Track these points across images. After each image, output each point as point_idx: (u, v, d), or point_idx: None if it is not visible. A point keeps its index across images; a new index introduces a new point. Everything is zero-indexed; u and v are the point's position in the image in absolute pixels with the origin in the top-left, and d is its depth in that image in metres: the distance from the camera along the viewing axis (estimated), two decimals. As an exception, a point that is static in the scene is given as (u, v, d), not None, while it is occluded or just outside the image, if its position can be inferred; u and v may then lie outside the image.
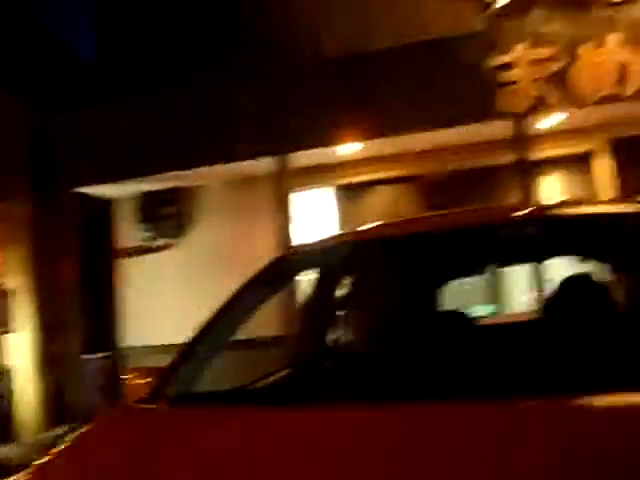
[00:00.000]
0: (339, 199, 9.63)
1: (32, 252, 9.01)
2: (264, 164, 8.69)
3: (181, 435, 2.03)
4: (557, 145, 8.45)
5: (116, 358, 9.48)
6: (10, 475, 7.61)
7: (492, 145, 8.41)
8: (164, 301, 9.51)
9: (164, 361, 9.42)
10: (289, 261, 3.10)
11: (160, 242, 9.54)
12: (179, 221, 9.50)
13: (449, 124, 7.93)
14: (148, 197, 9.47)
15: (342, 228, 9.76)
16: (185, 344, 2.69)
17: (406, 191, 9.26)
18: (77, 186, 9.13)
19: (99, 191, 9.42)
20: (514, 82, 7.60)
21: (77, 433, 2.36)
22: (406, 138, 8.23)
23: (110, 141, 8.86)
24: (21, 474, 2.19)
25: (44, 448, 8.36)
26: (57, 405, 8.89)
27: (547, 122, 8.06)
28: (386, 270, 2.85)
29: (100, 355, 9.16)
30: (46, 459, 2.22)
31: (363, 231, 3.17)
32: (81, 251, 9.31)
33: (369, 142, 8.37)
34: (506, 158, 8.45)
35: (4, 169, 8.91)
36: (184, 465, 1.83)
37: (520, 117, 7.69)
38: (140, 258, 9.61)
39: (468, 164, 8.77)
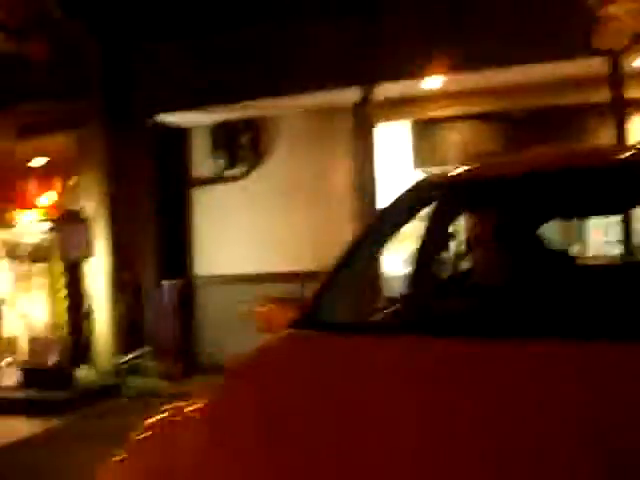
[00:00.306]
0: (416, 134, 9.46)
1: (108, 178, 9.03)
2: (346, 95, 8.51)
3: (357, 361, 2.04)
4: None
5: (190, 285, 9.60)
6: (92, 397, 7.78)
7: (582, 83, 8.07)
8: (236, 231, 9.53)
9: (239, 290, 9.53)
10: (427, 189, 2.99)
11: (235, 172, 9.49)
12: (255, 151, 9.41)
13: (541, 59, 7.62)
14: (224, 126, 9.38)
15: (416, 164, 9.61)
16: (329, 271, 2.63)
17: (488, 128, 9.03)
18: (153, 114, 9.10)
19: (175, 119, 9.37)
20: (613, 18, 7.23)
21: (255, 355, 2.29)
22: (494, 73, 7.95)
23: (188, 71, 8.77)
24: (202, 394, 2.15)
25: (120, 371, 8.59)
26: (132, 329, 9.07)
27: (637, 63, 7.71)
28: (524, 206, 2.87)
29: (175, 282, 9.24)
30: (229, 381, 2.17)
31: (501, 165, 3.08)
32: (156, 179, 9.30)
33: (454, 76, 8.11)
34: (596, 97, 8.14)
35: (81, 96, 8.88)
36: (365, 389, 1.84)
37: (617, 54, 7.34)
38: (214, 188, 9.59)
39: (556, 102, 8.46)
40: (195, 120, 9.40)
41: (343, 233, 9.25)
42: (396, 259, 7.83)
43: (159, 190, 9.41)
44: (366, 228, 2.86)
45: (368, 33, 8.06)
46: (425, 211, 3.11)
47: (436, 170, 9.43)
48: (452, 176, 3.09)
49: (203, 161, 9.58)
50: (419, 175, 9.71)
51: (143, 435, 2.01)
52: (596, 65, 7.45)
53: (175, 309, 9.13)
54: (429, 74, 8.06)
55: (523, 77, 8.09)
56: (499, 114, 8.82)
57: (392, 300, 2.77)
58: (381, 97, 8.24)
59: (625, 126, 7.44)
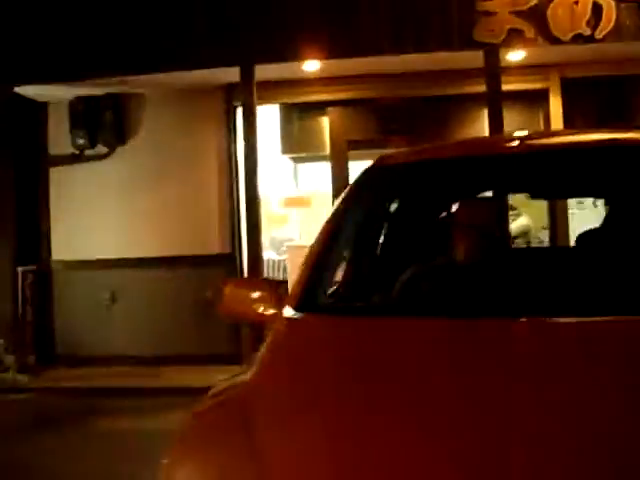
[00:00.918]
0: (285, 118, 9.33)
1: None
2: (220, 75, 8.25)
3: (401, 343, 1.97)
4: (517, 80, 8.41)
5: (47, 271, 8.96)
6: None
7: (459, 74, 8.31)
8: (97, 214, 8.99)
9: (100, 276, 9.05)
10: (387, 173, 2.91)
11: (96, 151, 8.93)
12: (119, 130, 8.90)
13: (419, 49, 7.74)
14: (86, 102, 8.78)
15: (284, 149, 9.50)
16: (314, 255, 2.47)
17: (360, 113, 9.05)
18: (9, 85, 8.37)
19: (33, 92, 8.67)
20: (492, 12, 7.48)
21: (273, 339, 2.13)
22: (372, 60, 7.97)
23: (47, 40, 8.12)
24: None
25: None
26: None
27: (512, 56, 8.02)
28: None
29: (30, 268, 8.58)
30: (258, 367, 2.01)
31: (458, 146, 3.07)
32: (11, 157, 8.57)
33: (332, 61, 8.05)
34: (473, 88, 8.41)
35: None
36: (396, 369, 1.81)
37: (495, 47, 7.60)
38: (74, 167, 8.99)
39: (432, 92, 8.63)
40: (54, 94, 8.74)
41: (211, 217, 9.03)
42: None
43: (14, 169, 8.68)
44: (341, 209, 2.69)
45: (247, 13, 7.84)
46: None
47: (302, 156, 9.56)
48: (414, 158, 3.04)
49: (62, 139, 8.93)
50: (286, 160, 9.64)
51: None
52: (473, 57, 7.68)
53: (30, 297, 8.48)
54: (307, 58, 7.96)
55: (400, 65, 8.18)
56: (372, 101, 8.86)
57: (385, 282, 2.63)
58: (258, 79, 8.02)
59: (500, 118, 7.72)
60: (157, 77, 8.31)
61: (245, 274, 9.01)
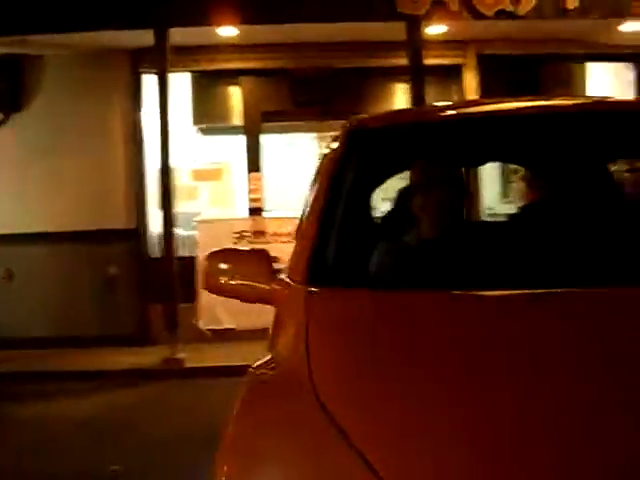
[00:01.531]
0: (196, 86, 8.88)
1: None
2: (123, 38, 7.73)
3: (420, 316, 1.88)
4: (435, 54, 8.31)
5: None
6: None
7: (376, 46, 8.13)
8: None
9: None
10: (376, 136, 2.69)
11: (-11, 116, 8.25)
12: (14, 95, 8.22)
13: (341, 18, 7.49)
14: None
15: (196, 119, 9.06)
16: (313, 226, 2.25)
17: (275, 84, 8.73)
18: None
19: None
20: (416, -17, 7.33)
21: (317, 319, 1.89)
22: (289, 28, 7.66)
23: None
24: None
25: None
26: None
27: (432, 30, 7.90)
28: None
29: None
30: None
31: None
32: None
33: (247, 27, 7.69)
34: (390, 61, 8.27)
35: None
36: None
37: (417, 20, 7.45)
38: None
39: (351, 63, 8.42)
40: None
41: (115, 190, 8.52)
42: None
43: None
44: (332, 175, 2.43)
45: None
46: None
47: (213, 127, 9.14)
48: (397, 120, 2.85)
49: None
50: (196, 130, 9.21)
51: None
52: (395, 30, 7.51)
53: None
54: (224, 22, 7.56)
55: (321, 35, 7.92)
56: (289, 71, 8.55)
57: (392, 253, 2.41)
58: (170, 43, 7.54)
59: (422, 91, 7.59)
60: (59, 38, 7.69)
61: (153, 250, 8.59)
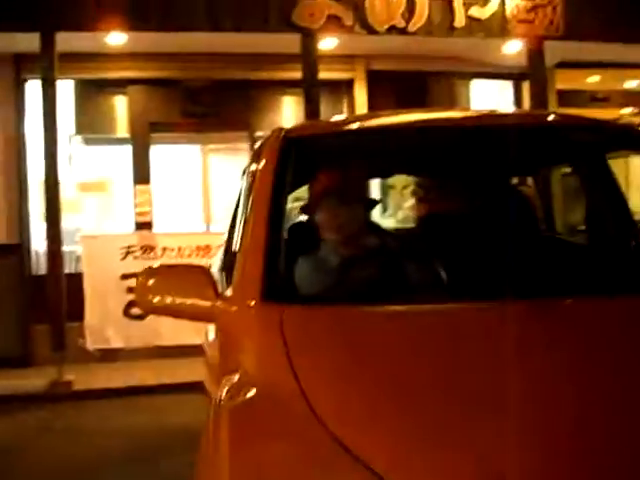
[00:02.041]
0: (80, 95, 8.50)
1: None
2: (3, 43, 7.30)
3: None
4: (326, 68, 8.33)
5: None
6: None
7: (269, 59, 8.06)
8: None
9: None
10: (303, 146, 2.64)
11: None
12: None
13: (235, 28, 7.38)
14: None
15: (78, 129, 8.68)
16: (260, 240, 2.15)
17: (165, 94, 8.48)
18: None
19: None
20: (312, -4, 7.33)
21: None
22: (181, 37, 7.48)
23: None
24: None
25: None
26: None
27: (324, 44, 7.91)
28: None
29: None
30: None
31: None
32: None
33: (137, 35, 7.44)
34: (283, 74, 8.23)
35: None
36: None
37: (312, 33, 7.44)
38: None
39: (239, 75, 8.31)
40: None
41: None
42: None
43: None
44: (270, 185, 2.34)
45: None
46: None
47: (99, 137, 8.79)
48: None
49: None
50: (81, 141, 8.83)
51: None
52: (291, 42, 7.47)
53: None
54: (113, 28, 7.27)
55: (213, 46, 7.75)
56: (179, 82, 8.33)
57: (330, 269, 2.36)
58: (59, 49, 7.17)
59: (317, 105, 7.58)
60: None
61: (37, 267, 8.14)
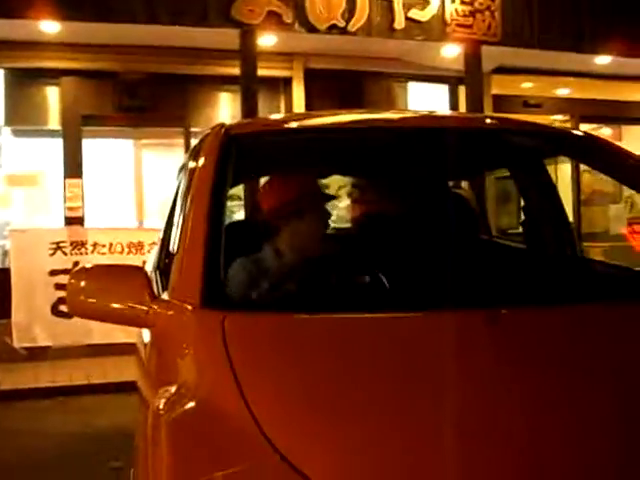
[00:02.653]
0: (10, 85, 8.22)
1: None
2: None
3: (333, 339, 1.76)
4: (264, 66, 8.25)
5: None
6: None
7: (208, 54, 7.96)
8: None
9: None
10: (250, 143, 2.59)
11: None
12: None
13: (173, 21, 7.26)
14: None
15: (7, 120, 8.39)
16: (199, 241, 2.06)
17: (99, 86, 8.27)
18: None
19: None
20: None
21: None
22: (119, 28, 7.31)
23: None
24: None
25: None
26: None
27: (263, 41, 7.84)
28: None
29: None
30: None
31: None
32: None
33: (73, 24, 7.24)
34: (221, 70, 8.13)
35: None
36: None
37: (251, 29, 7.36)
38: None
39: (177, 69, 8.16)
40: None
41: None
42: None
43: None
44: (210, 183, 2.27)
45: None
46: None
47: (28, 129, 8.51)
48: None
49: None
50: (9, 132, 8.55)
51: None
52: (229, 37, 7.38)
53: None
54: (47, 16, 7.06)
55: (152, 39, 7.61)
56: (114, 74, 8.13)
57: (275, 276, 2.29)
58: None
59: (254, 101, 7.50)
60: None
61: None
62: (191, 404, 1.56)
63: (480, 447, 1.39)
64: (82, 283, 2.16)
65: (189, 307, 1.90)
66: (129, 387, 6.35)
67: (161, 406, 1.62)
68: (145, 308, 2.09)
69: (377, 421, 1.44)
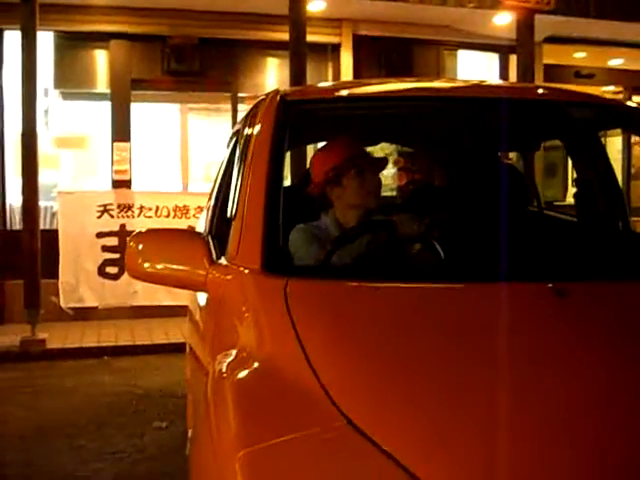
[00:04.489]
0: (60, 48, 8.27)
1: None
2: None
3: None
4: (313, 32, 8.17)
5: None
6: None
7: (256, 19, 7.92)
8: None
9: None
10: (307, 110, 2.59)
11: None
12: None
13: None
14: None
15: (58, 82, 8.45)
16: (259, 207, 2.07)
17: (147, 51, 8.29)
18: None
19: None
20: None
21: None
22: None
23: None
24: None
25: None
26: None
27: (311, 7, 7.76)
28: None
29: None
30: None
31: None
32: None
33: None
34: (270, 35, 8.09)
35: None
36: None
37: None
38: None
39: (224, 34, 8.14)
40: None
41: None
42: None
43: None
44: (267, 150, 2.26)
45: None
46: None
47: (79, 92, 8.58)
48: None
49: None
50: (59, 95, 8.63)
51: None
52: (278, 2, 7.31)
53: None
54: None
55: (200, 3, 7.59)
56: (162, 38, 8.14)
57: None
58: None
59: (303, 68, 7.44)
60: None
61: (13, 221, 7.99)
62: (254, 367, 1.58)
63: (545, 417, 1.37)
64: (140, 246, 2.19)
65: (249, 272, 1.92)
66: (173, 348, 6.50)
67: (223, 369, 1.63)
68: (203, 272, 2.11)
69: (443, 390, 1.43)
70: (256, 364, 1.59)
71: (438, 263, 2.13)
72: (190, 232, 2.32)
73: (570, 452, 1.29)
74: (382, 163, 2.71)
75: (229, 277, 2.02)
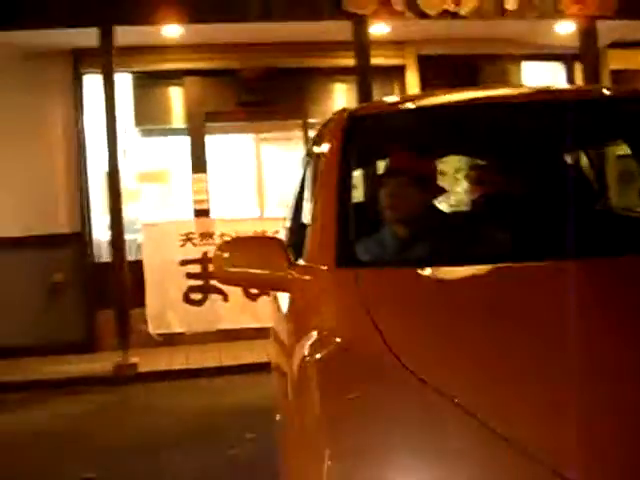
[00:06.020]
0: (138, 87, 8.72)
1: None
2: (62, 38, 7.56)
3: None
4: (377, 55, 8.38)
5: None
6: None
7: (321, 46, 8.18)
8: None
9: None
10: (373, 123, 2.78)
11: None
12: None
13: (287, 17, 7.51)
14: None
15: (137, 121, 8.88)
16: (331, 211, 2.31)
17: (219, 84, 8.66)
18: None
19: None
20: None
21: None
22: (233, 27, 7.64)
23: None
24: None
25: None
26: None
27: (374, 30, 7.97)
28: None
29: None
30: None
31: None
32: None
33: (191, 27, 7.63)
34: (334, 61, 8.34)
35: None
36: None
37: (363, 19, 7.52)
38: None
39: (292, 63, 8.43)
40: None
41: (57, 195, 8.29)
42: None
43: None
44: (338, 161, 2.45)
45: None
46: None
47: (157, 128, 8.99)
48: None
49: None
50: (138, 132, 9.05)
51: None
52: (342, 29, 7.57)
53: None
54: (169, 21, 7.46)
55: (266, 35, 7.90)
56: (232, 72, 8.49)
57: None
58: (116, 43, 7.38)
59: (369, 91, 7.65)
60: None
61: (99, 255, 8.41)
62: (334, 346, 1.74)
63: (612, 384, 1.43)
64: (226, 254, 2.41)
65: (326, 268, 2.13)
66: (258, 368, 6.72)
67: (305, 352, 1.81)
68: (283, 273, 2.32)
69: (509, 359, 1.54)
70: (337, 341, 1.76)
71: (501, 250, 2.26)
72: (269, 237, 2.54)
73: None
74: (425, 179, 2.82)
75: (306, 276, 2.22)
